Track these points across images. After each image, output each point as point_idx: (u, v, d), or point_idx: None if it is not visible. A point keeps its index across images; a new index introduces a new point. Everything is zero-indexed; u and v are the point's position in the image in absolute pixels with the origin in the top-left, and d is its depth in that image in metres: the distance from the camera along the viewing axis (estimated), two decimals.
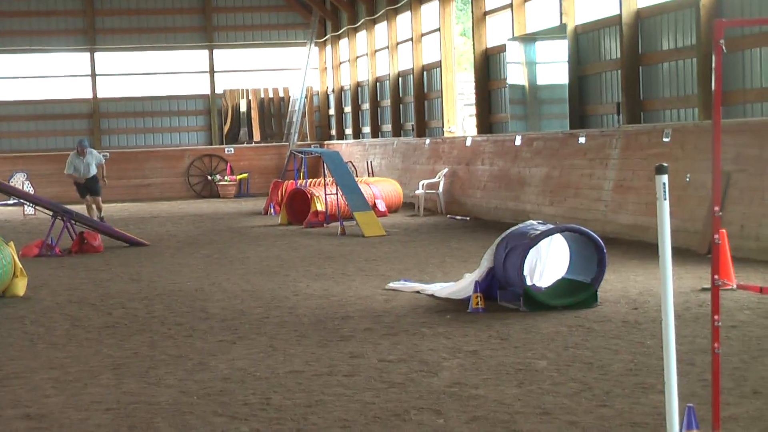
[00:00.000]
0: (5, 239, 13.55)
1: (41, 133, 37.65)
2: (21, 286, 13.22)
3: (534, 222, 11.56)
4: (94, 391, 7.78)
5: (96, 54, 38.21)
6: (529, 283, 10.81)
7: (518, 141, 21.36)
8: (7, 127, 37.72)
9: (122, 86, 38.64)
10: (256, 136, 39.91)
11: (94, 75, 38.29)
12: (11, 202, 31.49)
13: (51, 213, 19.16)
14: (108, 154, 36.70)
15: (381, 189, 24.86)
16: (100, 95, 38.35)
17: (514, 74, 23.09)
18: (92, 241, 18.54)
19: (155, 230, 22.94)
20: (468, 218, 22.74)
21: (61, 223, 18.86)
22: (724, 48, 5.46)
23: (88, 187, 24.44)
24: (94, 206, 24.55)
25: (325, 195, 22.24)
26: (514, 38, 22.74)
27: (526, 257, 10.69)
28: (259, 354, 9.00)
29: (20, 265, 13.32)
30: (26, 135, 37.57)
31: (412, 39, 29.47)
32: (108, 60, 38.48)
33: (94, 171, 24.39)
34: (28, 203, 25.12)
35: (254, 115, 39.98)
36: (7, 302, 12.70)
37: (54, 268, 16.20)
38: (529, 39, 22.36)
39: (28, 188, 30.33)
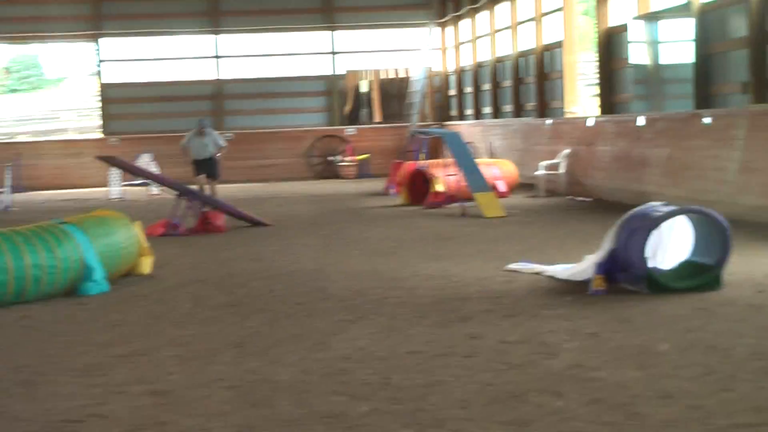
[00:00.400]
0: (132, 218, 13.81)
1: (166, 115, 38.24)
2: (146, 265, 13.48)
3: (656, 203, 11.40)
4: (216, 369, 7.90)
5: (219, 36, 38.66)
6: (651, 265, 10.67)
7: (641, 121, 21.05)
8: (132, 109, 38.41)
9: (245, 68, 39.04)
10: (377, 117, 40.01)
11: (217, 57, 38.76)
12: (137, 182, 32.09)
13: (176, 193, 19.48)
14: (232, 134, 37.23)
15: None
16: (223, 77, 38.81)
17: (637, 54, 22.76)
18: (215, 221, 18.80)
19: (276, 210, 23.16)
20: (589, 199, 22.53)
21: (186, 203, 19.15)
22: None
23: (205, 169, 24.19)
24: (207, 188, 24.04)
25: (445, 175, 22.21)
26: (637, 17, 22.41)
27: (648, 239, 10.55)
28: (378, 334, 9.04)
29: (146, 244, 13.58)
30: (151, 116, 38.21)
31: (533, 19, 29.24)
32: (231, 42, 38.91)
33: (211, 152, 24.05)
34: (153, 183, 25.58)
35: (375, 95, 40.10)
36: (133, 280, 12.96)
37: (178, 247, 16.47)
38: (652, 18, 22.01)
39: (153, 169, 30.89)
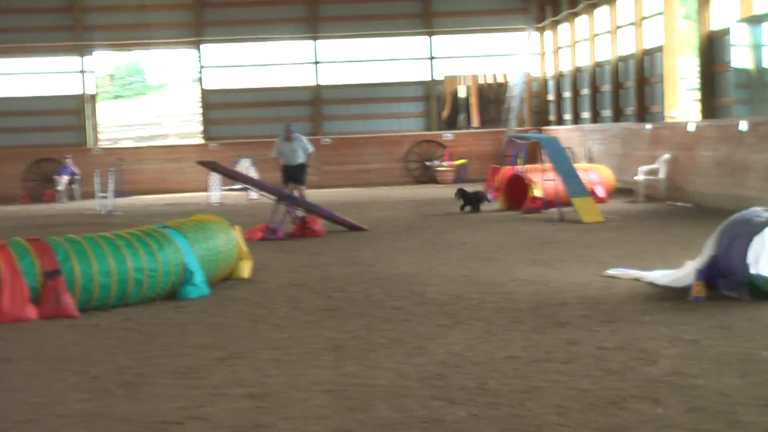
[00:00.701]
0: (231, 223, 13.96)
1: (265, 120, 38.53)
2: (246, 269, 13.61)
3: (759, 209, 11.21)
4: (314, 372, 7.95)
5: (318, 42, 38.89)
6: (753, 271, 10.49)
7: (743, 126, 20.73)
8: (233, 114, 38.80)
9: (343, 73, 39.22)
10: (475, 122, 39.93)
11: (316, 62, 38.99)
12: (237, 187, 32.41)
13: (274, 198, 19.64)
14: (330, 139, 37.44)
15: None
16: (321, 82, 39.03)
17: (740, 57, 22.41)
18: (313, 226, 18.91)
19: (374, 215, 23.23)
20: (689, 205, 22.24)
21: (284, 208, 19.31)
22: None
23: (293, 175, 22.84)
24: (296, 194, 22.53)
25: (543, 180, 22.10)
26: (740, 20, 22.07)
27: (750, 245, 10.39)
28: (476, 339, 9.03)
29: (245, 249, 13.72)
30: (251, 122, 38.55)
31: (633, 23, 28.95)
32: (330, 47, 39.12)
33: (300, 158, 22.85)
34: (252, 188, 25.82)
35: (473, 100, 40.03)
36: (233, 284, 13.10)
37: (276, 252, 16.60)
38: (756, 20, 21.66)
39: (253, 174, 31.18)
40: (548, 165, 21.95)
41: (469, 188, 24.25)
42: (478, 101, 40.09)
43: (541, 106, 39.74)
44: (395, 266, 14.25)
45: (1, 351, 9.26)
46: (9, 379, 8.07)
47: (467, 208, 22.85)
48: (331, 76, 39.12)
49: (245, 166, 32.77)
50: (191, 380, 7.83)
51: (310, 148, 23.24)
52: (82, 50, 38.05)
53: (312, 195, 26.23)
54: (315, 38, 38.77)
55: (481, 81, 39.96)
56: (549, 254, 14.87)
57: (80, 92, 38.28)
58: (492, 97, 40.06)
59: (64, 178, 35.02)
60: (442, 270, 13.65)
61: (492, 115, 39.86)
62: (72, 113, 38.27)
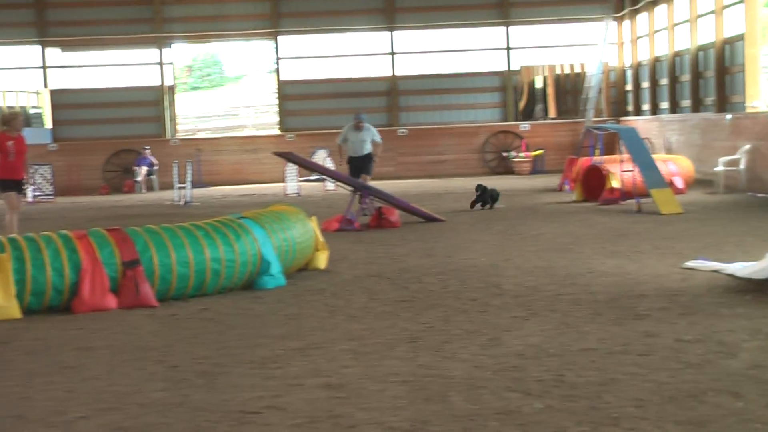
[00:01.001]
0: (308, 214, 14.02)
1: (341, 111, 38.54)
2: (322, 260, 13.67)
3: None
4: (390, 363, 7.96)
5: (395, 32, 38.87)
6: None
7: None
8: (309, 105, 38.95)
9: (419, 64, 39.17)
10: (552, 113, 39.69)
11: (392, 53, 38.99)
12: (313, 177, 32.56)
13: (351, 188, 19.69)
14: (406, 130, 37.44)
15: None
16: (398, 73, 39.02)
17: None
18: (390, 216, 18.93)
19: (450, 206, 23.20)
20: None
21: (361, 199, 19.34)
22: None
23: (359, 166, 21.79)
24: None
25: (620, 171, 21.92)
26: None
27: None
28: (552, 331, 8.99)
29: (322, 239, 13.78)
30: (327, 113, 38.65)
31: (713, 11, 28.58)
32: (406, 38, 39.09)
33: (367, 149, 21.91)
34: (329, 179, 25.91)
35: (550, 91, 39.77)
36: (309, 275, 13.16)
37: (352, 242, 16.64)
38: None
39: (329, 165, 31.30)
40: (626, 156, 21.76)
41: (545, 179, 24.06)
42: (555, 92, 39.82)
43: (619, 97, 39.39)
44: (471, 257, 14.23)
45: (82, 340, 9.39)
46: (90, 368, 8.19)
47: (478, 206, 22.15)
48: (407, 67, 39.09)
49: (321, 157, 32.91)
50: (268, 370, 7.88)
51: (379, 139, 22.37)
52: (161, 42, 38.42)
53: (387, 185, 26.26)
54: (391, 29, 38.77)
55: (558, 71, 39.69)
56: (626, 246, 14.75)
57: (159, 84, 38.66)
58: (569, 87, 39.77)
59: (143, 169, 35.41)
60: (518, 261, 13.60)
61: (569, 105, 39.58)
62: (151, 105, 38.67)
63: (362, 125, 21.96)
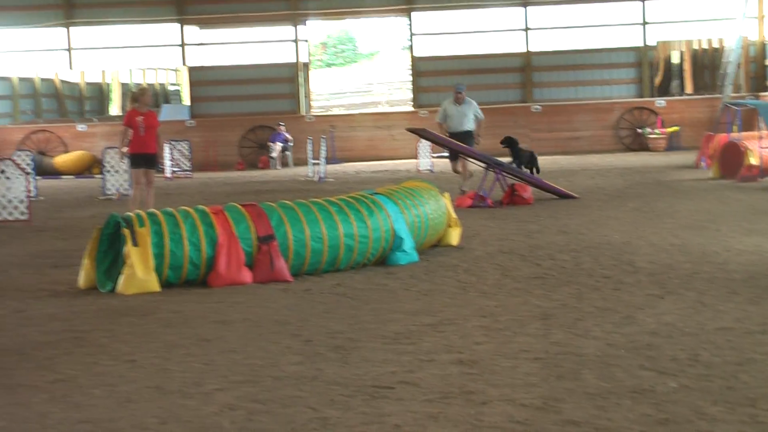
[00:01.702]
0: (441, 190, 14.04)
1: (475, 87, 38.26)
2: (455, 236, 13.69)
3: None
4: (522, 340, 7.95)
5: (529, 8, 38.58)
6: None
7: None
8: (442, 81, 38.81)
9: (554, 40, 38.83)
10: (688, 88, 39.01)
11: (527, 29, 38.71)
12: (445, 154, 32.55)
13: (484, 165, 19.64)
14: (540, 106, 37.18)
15: None
16: (532, 49, 38.74)
17: None
18: (522, 193, 18.85)
19: (584, 183, 23.01)
20: None
21: (493, 175, 19.30)
22: None
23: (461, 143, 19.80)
24: (460, 170, 20.38)
25: (760, 148, 21.46)
26: None
27: None
28: (687, 309, 8.87)
29: (454, 216, 13.79)
30: None
31: None
32: (540, 14, 38.77)
33: (470, 125, 20.25)
34: (462, 155, 25.87)
35: (687, 66, 39.09)
36: (442, 251, 13.19)
37: (485, 219, 16.62)
38: None
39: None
40: (765, 132, 21.28)
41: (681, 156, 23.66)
42: (692, 67, 39.11)
43: (759, 72, 38.49)
44: (605, 234, 14.10)
45: (219, 313, 9.57)
46: (227, 341, 8.34)
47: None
48: (541, 43, 38.78)
49: None
50: (401, 345, 7.94)
51: (482, 115, 20.56)
52: (296, 19, 38.74)
53: None
54: (525, 4, 38.49)
55: (695, 46, 38.96)
56: (765, 224, 14.45)
57: (294, 60, 39.02)
58: (707, 62, 39.03)
59: (278, 145, 35.80)
60: (653, 239, 13.44)
61: (706, 81, 38.85)
62: (286, 81, 39.04)
63: (463, 97, 20.32)
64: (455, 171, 20.48)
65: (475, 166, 20.40)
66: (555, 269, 11.42)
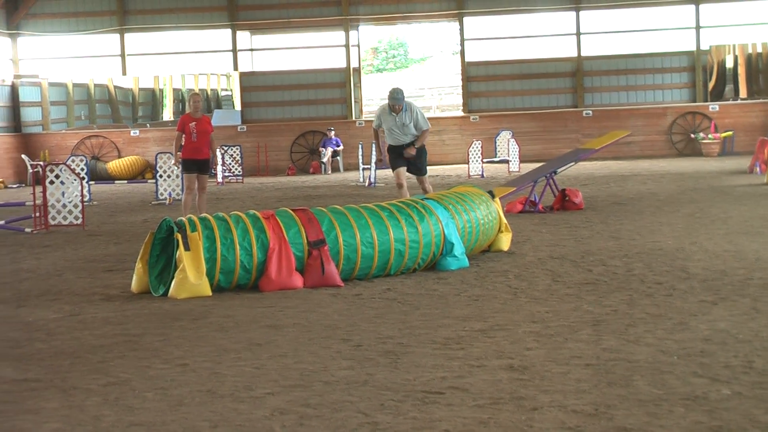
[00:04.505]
0: (491, 195, 14.01)
1: (526, 92, 38.49)
2: (506, 241, 13.65)
3: None
4: (573, 346, 7.92)
5: (580, 12, 38.43)
6: None
7: None
8: (493, 87, 38.88)
9: (605, 44, 38.66)
10: (742, 93, 38.70)
11: (578, 33, 38.58)
12: (496, 159, 32.53)
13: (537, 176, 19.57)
14: (591, 111, 37.00)
15: None
16: (583, 54, 38.58)
17: None
18: (574, 198, 18.77)
19: (636, 188, 22.88)
20: None
21: (544, 180, 19.24)
22: None
23: (409, 160, 16.82)
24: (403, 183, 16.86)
25: None
26: None
27: None
28: (741, 316, 8.79)
29: (505, 221, 13.75)
30: (511, 94, 38.55)
31: None
32: (592, 18, 38.62)
33: (410, 135, 16.77)
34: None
35: (741, 70, 38.78)
36: (493, 256, 13.16)
37: (536, 224, 16.57)
38: None
39: (513, 146, 31.20)
40: None
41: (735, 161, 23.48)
42: (746, 71, 38.79)
43: None
44: (657, 240, 14.01)
45: (270, 318, 9.60)
46: (278, 345, 8.37)
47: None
48: (593, 47, 38.63)
49: (505, 138, 32.82)
50: (451, 351, 7.93)
51: (425, 124, 16.87)
52: (348, 25, 38.85)
53: (575, 167, 25.96)
54: (577, 9, 38.37)
55: (749, 50, 38.63)
56: None
57: (345, 66, 39.11)
58: (761, 66, 38.68)
59: (329, 150, 35.90)
60: (706, 245, 13.33)
61: (761, 85, 38.51)
62: (336, 86, 39.15)
63: (397, 106, 16.61)
64: (399, 184, 16.78)
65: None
66: (606, 275, 11.37)
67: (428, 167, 17.24)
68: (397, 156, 16.83)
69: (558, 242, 14.32)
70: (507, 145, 32.29)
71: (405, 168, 16.84)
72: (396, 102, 16.48)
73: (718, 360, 7.30)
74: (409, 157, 16.66)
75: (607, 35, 38.66)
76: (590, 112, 37.23)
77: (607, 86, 38.54)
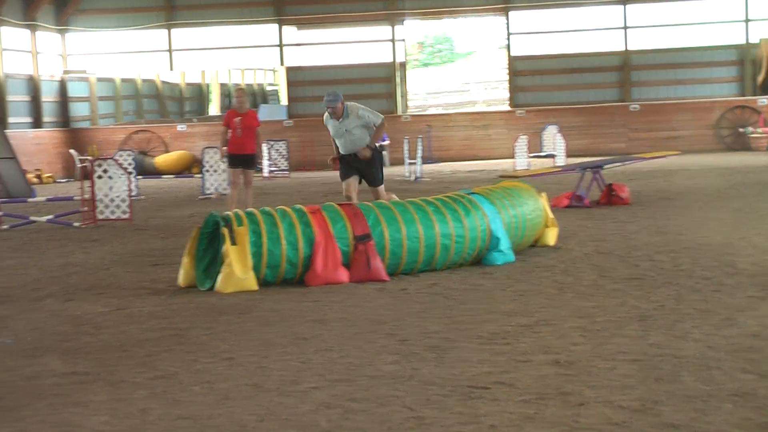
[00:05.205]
0: (538, 190, 13.96)
1: (572, 86, 38.33)
2: (552, 236, 13.61)
3: None
4: (620, 342, 7.88)
5: (628, 6, 38.21)
6: None
7: None
8: (540, 81, 38.75)
9: (653, 38, 38.41)
10: None
11: (625, 27, 38.36)
12: (543, 153, 32.42)
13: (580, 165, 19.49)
14: (638, 105, 36.80)
15: None
16: (630, 47, 38.37)
17: None
18: (620, 193, 18.67)
19: (683, 183, 22.72)
20: None
21: (591, 175, 19.16)
22: None
23: (358, 168, 14.50)
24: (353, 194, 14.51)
25: None
26: None
27: None
28: None
29: (551, 216, 13.71)
30: (558, 88, 38.40)
31: None
32: (639, 12, 38.37)
33: (362, 142, 14.37)
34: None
35: None
36: (539, 251, 13.12)
37: (582, 219, 16.50)
38: None
39: (559, 141, 31.09)
40: None
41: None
42: None
43: None
44: (704, 235, 13.91)
45: (315, 312, 9.63)
46: (324, 340, 8.39)
47: None
48: (640, 41, 38.40)
49: (552, 133, 32.71)
50: (497, 346, 7.91)
51: (376, 119, 14.48)
52: (394, 19, 38.84)
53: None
54: (624, 2, 38.15)
55: None
56: None
57: (391, 60, 39.12)
58: None
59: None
60: (755, 240, 13.22)
61: None
62: (383, 81, 39.17)
63: (338, 110, 14.40)
64: (347, 196, 14.46)
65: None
66: (653, 270, 11.30)
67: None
68: (346, 166, 14.51)
69: (604, 237, 14.25)
70: (553, 139, 32.17)
71: (356, 179, 14.55)
72: (329, 104, 14.23)
73: (766, 356, 7.24)
74: (363, 158, 14.32)
75: (654, 29, 38.41)
76: (637, 106, 37.01)
77: (655, 80, 38.30)
